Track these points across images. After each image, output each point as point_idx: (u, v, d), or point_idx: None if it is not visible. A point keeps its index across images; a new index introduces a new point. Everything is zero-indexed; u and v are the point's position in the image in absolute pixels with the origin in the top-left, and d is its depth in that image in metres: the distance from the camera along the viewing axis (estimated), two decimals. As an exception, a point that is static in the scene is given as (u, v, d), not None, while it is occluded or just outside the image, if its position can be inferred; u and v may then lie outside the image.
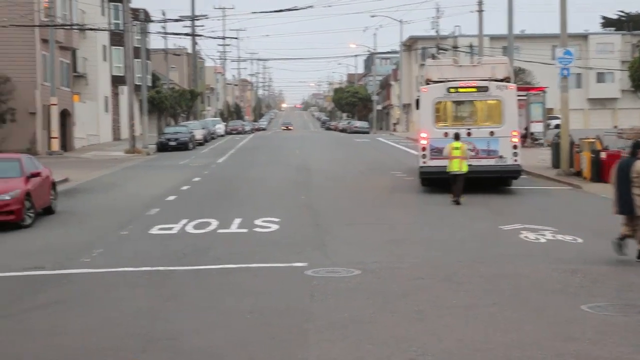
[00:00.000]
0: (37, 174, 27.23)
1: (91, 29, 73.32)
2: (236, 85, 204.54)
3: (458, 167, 27.65)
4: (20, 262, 19.40)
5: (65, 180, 35.60)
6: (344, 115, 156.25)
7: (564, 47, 36.34)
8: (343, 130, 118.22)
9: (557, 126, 51.35)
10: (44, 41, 61.90)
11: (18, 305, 15.31)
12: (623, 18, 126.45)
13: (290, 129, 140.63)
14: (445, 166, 28.40)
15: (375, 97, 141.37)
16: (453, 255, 19.22)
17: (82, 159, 58.34)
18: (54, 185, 29.31)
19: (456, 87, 30.86)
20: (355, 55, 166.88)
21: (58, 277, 17.57)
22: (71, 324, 13.67)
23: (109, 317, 14.08)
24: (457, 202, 27.81)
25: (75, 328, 13.39)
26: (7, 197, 24.70)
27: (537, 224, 22.63)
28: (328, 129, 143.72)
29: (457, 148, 27.67)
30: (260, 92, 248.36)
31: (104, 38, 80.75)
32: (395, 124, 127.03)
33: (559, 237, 20.80)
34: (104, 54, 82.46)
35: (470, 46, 74.57)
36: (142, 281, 17.11)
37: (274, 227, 23.35)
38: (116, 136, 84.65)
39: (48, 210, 27.63)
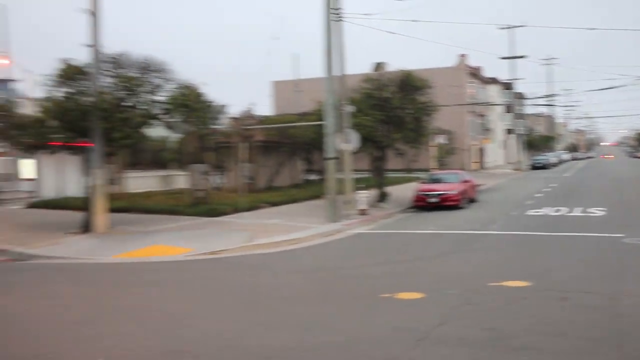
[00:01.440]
0: (467, 181, 27.62)
1: (493, 104, 72.66)
2: (574, 132, 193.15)
3: None
4: (459, 226, 19.57)
5: (481, 185, 35.62)
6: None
7: None
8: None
9: None
10: (470, 112, 62.39)
11: (458, 247, 15.40)
12: None
13: (607, 157, 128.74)
14: None
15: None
16: None
17: (490, 173, 57.68)
18: (476, 186, 29.41)
19: None
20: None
21: (480, 235, 17.47)
22: (475, 261, 13.41)
23: (499, 257, 13.62)
24: None
25: (478, 262, 13.08)
26: (453, 192, 25.32)
27: None
28: (632, 157, 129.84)
29: None
30: (589, 135, 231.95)
31: (500, 109, 79.40)
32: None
33: None
34: (500, 117, 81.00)
35: None
36: (522, 240, 16.49)
37: (601, 213, 21.52)
38: (507, 161, 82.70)
39: (473, 200, 27.67)
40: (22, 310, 9.89)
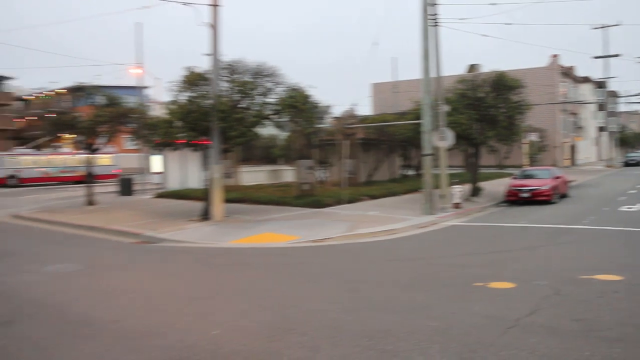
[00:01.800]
0: (559, 177, 26.43)
1: (585, 103, 68.92)
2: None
3: None
4: (551, 220, 18.68)
5: (573, 180, 33.95)
6: None
7: None
8: None
9: None
10: (562, 110, 59.60)
11: (549, 240, 14.66)
12: None
13: None
14: None
15: None
16: None
17: (581, 169, 54.90)
18: (567, 182, 28.11)
19: None
20: None
21: (571, 230, 16.55)
22: (566, 254, 12.62)
23: (590, 251, 12.70)
24: None
25: (569, 255, 12.36)
26: (545, 187, 24.34)
27: None
28: None
29: None
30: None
31: (592, 107, 75.10)
32: None
33: None
34: (592, 115, 76.71)
35: None
36: (614, 235, 15.31)
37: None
38: (599, 158, 78.29)
39: (564, 196, 26.53)
40: (152, 286, 10.48)
